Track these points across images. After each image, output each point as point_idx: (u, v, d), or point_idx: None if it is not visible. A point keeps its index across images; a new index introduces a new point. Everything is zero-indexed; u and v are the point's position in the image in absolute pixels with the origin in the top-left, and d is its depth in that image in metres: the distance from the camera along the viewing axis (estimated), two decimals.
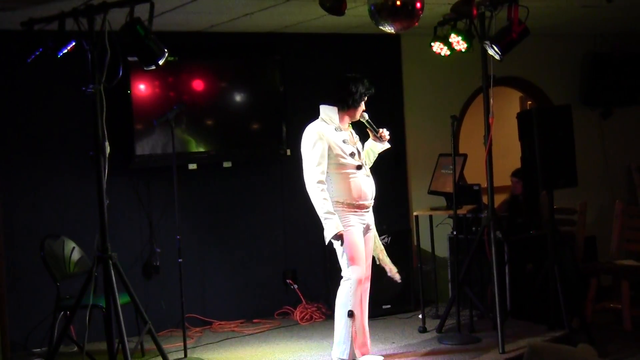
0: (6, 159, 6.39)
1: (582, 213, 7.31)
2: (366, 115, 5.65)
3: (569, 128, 6.19)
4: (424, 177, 7.61)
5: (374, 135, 5.74)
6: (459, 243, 6.91)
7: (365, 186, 5.56)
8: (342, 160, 5.47)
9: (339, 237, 5.38)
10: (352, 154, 5.51)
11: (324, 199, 5.38)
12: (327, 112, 5.55)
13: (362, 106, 5.61)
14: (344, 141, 5.50)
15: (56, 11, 5.09)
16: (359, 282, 5.52)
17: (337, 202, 5.47)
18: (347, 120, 5.61)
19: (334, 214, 5.38)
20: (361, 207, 5.54)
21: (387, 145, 5.82)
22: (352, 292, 5.49)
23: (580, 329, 6.27)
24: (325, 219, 5.38)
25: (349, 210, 5.49)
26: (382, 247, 5.90)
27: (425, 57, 7.31)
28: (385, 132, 5.74)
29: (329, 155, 5.43)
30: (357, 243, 5.52)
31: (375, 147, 5.78)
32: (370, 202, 5.62)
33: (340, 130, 5.53)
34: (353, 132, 5.70)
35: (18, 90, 6.71)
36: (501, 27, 5.93)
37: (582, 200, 7.38)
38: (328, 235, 5.38)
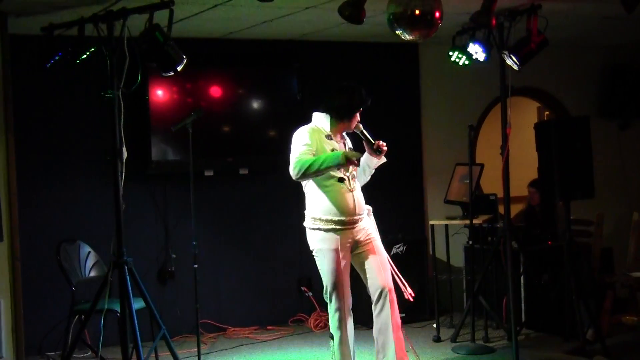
0: (24, 163, 6.42)
1: (599, 224, 7.25)
2: (361, 126, 5.23)
3: (587, 139, 6.16)
4: (440, 186, 7.60)
5: (370, 148, 5.24)
6: (474, 253, 6.89)
7: (346, 200, 5.12)
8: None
9: (352, 158, 4.90)
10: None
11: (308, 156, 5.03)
12: (320, 120, 5.26)
13: (357, 117, 5.23)
14: (332, 150, 5.12)
15: (76, 17, 5.11)
16: (342, 311, 5.15)
17: (315, 218, 5.15)
18: (341, 130, 5.25)
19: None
20: (342, 222, 5.11)
21: (383, 160, 5.30)
22: (335, 319, 5.16)
23: (595, 341, 6.23)
24: (329, 157, 4.94)
25: (328, 226, 5.10)
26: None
27: (443, 67, 7.30)
28: (382, 144, 5.20)
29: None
30: (337, 269, 5.12)
31: (370, 162, 5.29)
32: (354, 217, 5.14)
33: (331, 139, 5.19)
34: (348, 143, 5.37)
35: (37, 95, 6.75)
36: (520, 38, 5.93)
37: (599, 212, 7.33)
38: (342, 160, 4.88)
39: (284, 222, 7.63)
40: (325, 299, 5.23)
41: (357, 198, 5.19)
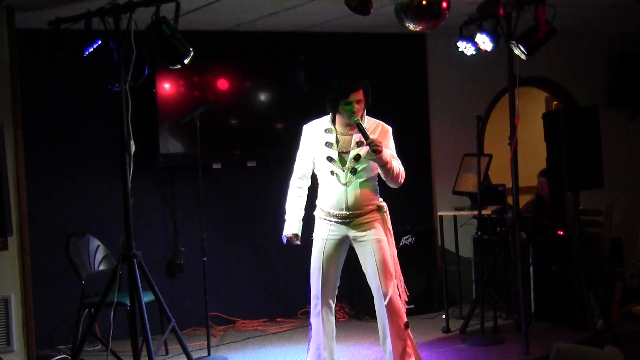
0: (33, 157, 6.42)
1: (608, 214, 7.24)
2: (358, 119, 4.98)
3: (596, 129, 6.14)
4: (448, 177, 7.58)
5: (366, 143, 4.99)
6: (483, 244, 6.88)
7: (335, 194, 5.12)
8: (318, 162, 5.20)
9: (287, 240, 5.34)
10: (329, 158, 5.11)
11: (291, 199, 5.34)
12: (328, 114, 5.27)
13: (347, 110, 5.00)
14: (326, 143, 5.14)
15: (83, 10, 5.12)
16: (318, 299, 5.21)
17: (314, 205, 5.30)
18: (341, 122, 5.15)
19: (291, 217, 5.30)
20: (329, 214, 5.18)
21: (380, 158, 4.95)
22: (311, 306, 5.28)
23: (605, 331, 6.22)
24: (286, 220, 5.36)
25: (319, 215, 5.25)
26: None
27: (450, 57, 7.28)
28: (377, 142, 4.93)
29: (313, 155, 5.25)
30: (318, 258, 5.22)
31: (371, 155, 5.01)
32: (342, 212, 5.12)
33: (331, 132, 5.15)
34: (360, 137, 5.03)
35: (44, 89, 6.75)
36: (528, 27, 5.90)
37: (608, 202, 7.31)
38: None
39: None
40: None
41: (350, 194, 5.11)
